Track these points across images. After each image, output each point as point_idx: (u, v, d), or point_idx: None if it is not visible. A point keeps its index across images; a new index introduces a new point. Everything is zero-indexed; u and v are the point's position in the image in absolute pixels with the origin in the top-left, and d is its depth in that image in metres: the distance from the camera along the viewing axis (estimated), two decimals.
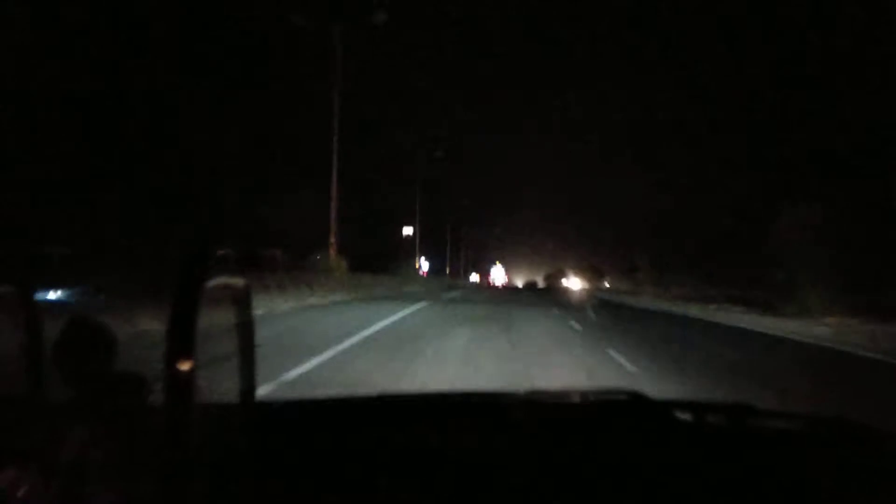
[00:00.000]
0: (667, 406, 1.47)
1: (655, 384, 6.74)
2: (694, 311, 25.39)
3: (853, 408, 5.61)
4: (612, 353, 9.48)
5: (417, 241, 53.09)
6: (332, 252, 26.50)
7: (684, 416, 1.44)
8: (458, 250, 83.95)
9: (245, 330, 0.99)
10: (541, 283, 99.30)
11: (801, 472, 1.20)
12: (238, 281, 0.96)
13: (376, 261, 43.63)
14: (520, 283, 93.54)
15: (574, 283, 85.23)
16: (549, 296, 41.81)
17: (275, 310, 15.31)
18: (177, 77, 22.71)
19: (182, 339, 0.74)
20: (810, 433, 1.48)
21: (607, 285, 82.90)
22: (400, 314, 16.10)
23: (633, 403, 1.45)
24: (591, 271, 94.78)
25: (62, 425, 0.93)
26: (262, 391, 4.74)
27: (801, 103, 29.86)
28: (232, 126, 26.60)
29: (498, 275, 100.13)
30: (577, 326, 14.54)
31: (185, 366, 0.74)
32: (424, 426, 1.35)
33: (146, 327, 8.83)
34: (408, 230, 54.24)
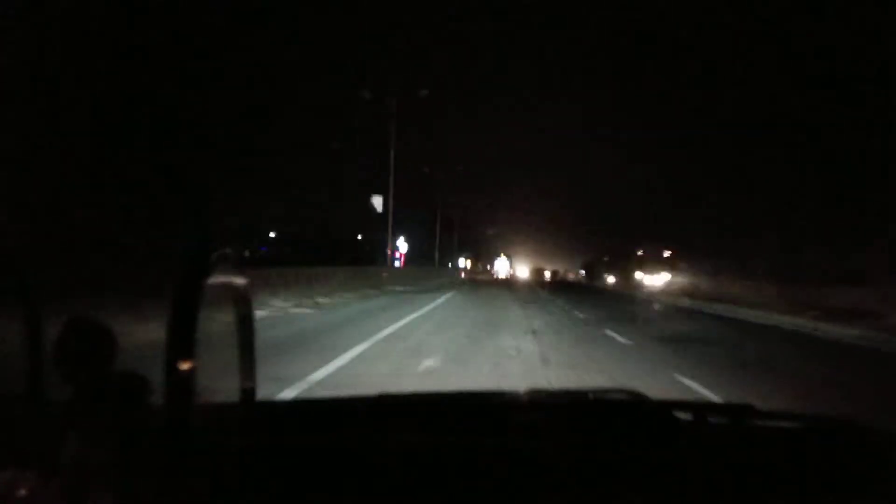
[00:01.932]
0: (667, 406, 1.47)
1: None
2: None
3: None
4: None
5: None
6: None
7: (685, 416, 1.43)
8: (447, 230, 60.16)
9: (245, 329, 0.98)
10: (547, 275, 75.44)
11: (802, 471, 1.19)
12: (239, 280, 0.96)
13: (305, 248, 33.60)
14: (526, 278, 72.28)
15: (656, 278, 46.39)
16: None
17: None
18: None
19: (182, 339, 0.74)
20: (810, 433, 1.48)
21: (656, 282, 45.71)
22: None
23: (633, 403, 1.45)
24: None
25: (62, 425, 0.92)
26: None
27: None
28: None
29: (502, 268, 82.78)
30: None
31: (185, 366, 0.74)
32: (423, 426, 1.35)
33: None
34: (378, 201, 36.84)
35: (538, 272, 77.38)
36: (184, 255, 0.80)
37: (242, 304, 0.97)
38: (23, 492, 0.83)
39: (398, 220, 37.78)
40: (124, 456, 0.89)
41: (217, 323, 0.92)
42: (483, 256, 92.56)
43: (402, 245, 41.77)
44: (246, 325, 0.98)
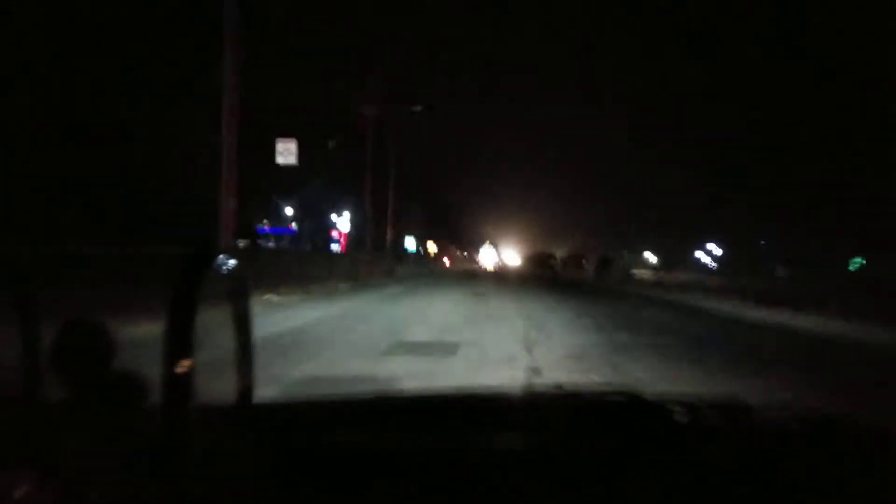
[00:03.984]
0: (663, 405, 1.48)
1: None
2: None
3: None
4: None
5: None
6: None
7: (680, 413, 1.45)
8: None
9: (243, 327, 0.98)
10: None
11: (798, 470, 1.21)
12: (237, 276, 0.96)
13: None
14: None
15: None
16: None
17: None
18: None
19: (180, 340, 0.74)
20: (807, 431, 1.49)
21: None
22: None
23: (629, 402, 1.46)
24: None
25: (60, 427, 0.92)
26: None
27: None
28: None
29: (488, 258, 64.17)
30: None
31: (183, 367, 0.74)
32: (421, 427, 1.35)
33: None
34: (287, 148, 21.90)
35: (542, 260, 50.36)
36: (183, 253, 0.80)
37: (240, 300, 0.97)
38: (20, 493, 0.83)
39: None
40: (122, 457, 0.89)
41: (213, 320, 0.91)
42: (465, 242, 76.85)
43: (345, 223, 26.39)
44: (243, 323, 0.98)
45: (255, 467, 1.00)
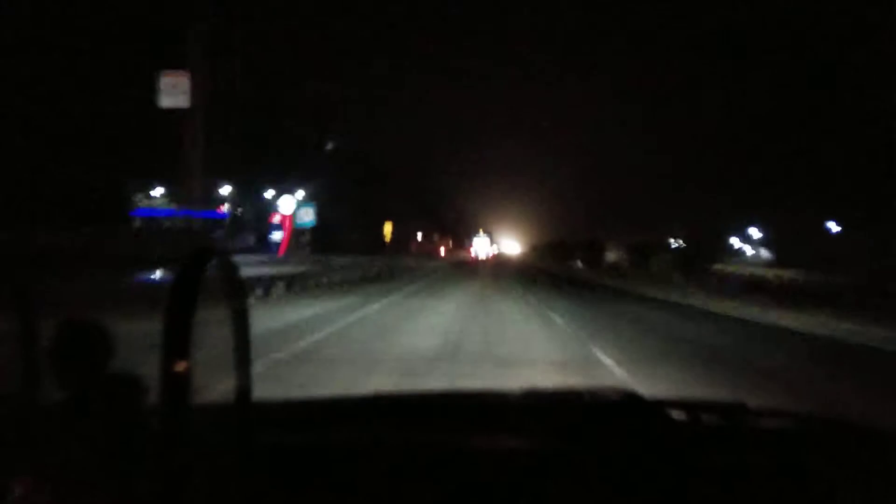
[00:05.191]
0: (661, 405, 1.48)
1: None
2: None
3: None
4: None
5: None
6: None
7: (678, 415, 1.45)
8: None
9: (240, 326, 0.97)
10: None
11: (795, 470, 1.21)
12: (233, 276, 0.96)
13: None
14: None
15: None
16: None
17: None
18: None
19: (178, 339, 0.74)
20: (804, 432, 1.50)
21: None
22: None
23: (627, 403, 1.46)
24: None
25: (58, 425, 0.92)
26: None
27: None
28: None
29: (481, 249, 64.95)
30: None
31: (180, 366, 0.74)
32: (420, 427, 1.35)
33: None
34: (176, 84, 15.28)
35: (562, 253, 43.90)
36: (183, 255, 0.79)
37: (237, 300, 0.97)
38: (18, 492, 0.83)
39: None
40: (120, 456, 0.89)
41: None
42: (462, 232, 75.67)
43: (288, 204, 19.35)
44: (241, 322, 0.97)
45: (252, 467, 1.00)
